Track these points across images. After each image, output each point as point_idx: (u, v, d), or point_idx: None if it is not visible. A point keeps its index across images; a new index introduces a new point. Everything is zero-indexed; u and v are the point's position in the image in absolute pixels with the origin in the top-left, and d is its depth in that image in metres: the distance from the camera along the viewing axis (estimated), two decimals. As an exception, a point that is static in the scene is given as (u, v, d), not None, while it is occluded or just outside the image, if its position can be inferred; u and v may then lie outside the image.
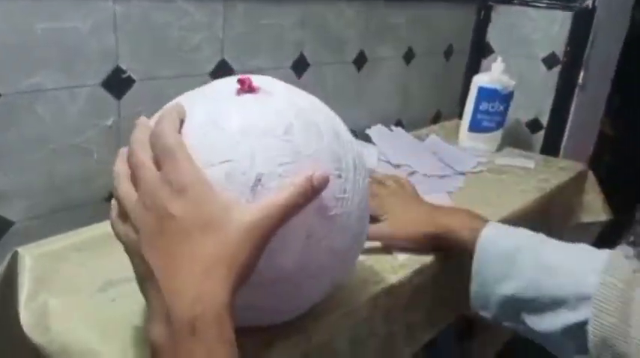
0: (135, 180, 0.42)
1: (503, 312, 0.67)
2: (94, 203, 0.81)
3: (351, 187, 0.50)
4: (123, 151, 0.46)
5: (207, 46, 0.87)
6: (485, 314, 0.70)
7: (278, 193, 0.43)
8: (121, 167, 0.45)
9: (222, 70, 0.90)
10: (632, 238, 1.39)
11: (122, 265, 0.66)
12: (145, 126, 0.45)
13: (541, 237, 0.68)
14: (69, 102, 0.74)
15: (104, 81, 0.77)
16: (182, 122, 0.46)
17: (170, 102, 0.51)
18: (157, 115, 0.49)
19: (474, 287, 0.69)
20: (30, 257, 0.66)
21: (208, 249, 0.39)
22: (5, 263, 0.68)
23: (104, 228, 0.74)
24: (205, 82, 0.87)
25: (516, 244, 0.67)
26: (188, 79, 0.86)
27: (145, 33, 0.79)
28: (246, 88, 0.49)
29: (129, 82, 0.79)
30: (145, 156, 0.42)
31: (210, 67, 0.89)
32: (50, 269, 0.66)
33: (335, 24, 1.08)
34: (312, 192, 0.44)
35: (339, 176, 0.48)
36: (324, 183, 0.45)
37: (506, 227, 0.71)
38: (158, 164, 0.42)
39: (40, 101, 0.72)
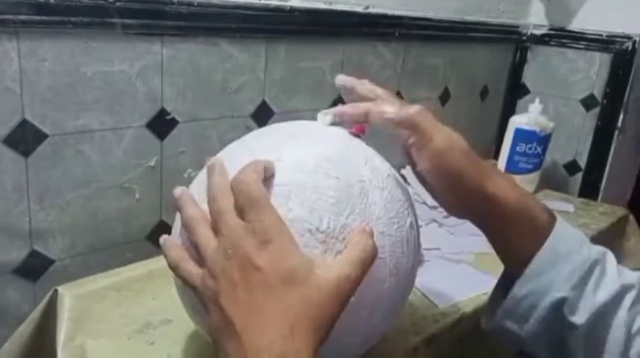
0: (214, 226, 0.42)
1: (549, 321, 0.51)
2: (134, 242, 0.82)
3: (398, 243, 0.49)
4: (189, 195, 0.45)
5: (249, 88, 0.88)
6: (514, 326, 0.53)
7: (352, 249, 0.42)
8: (196, 211, 0.44)
9: (263, 112, 0.91)
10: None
11: (161, 307, 0.67)
12: (222, 170, 0.44)
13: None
14: (114, 143, 0.76)
15: (149, 122, 0.78)
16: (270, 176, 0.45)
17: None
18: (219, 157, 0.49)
19: (520, 291, 0.51)
20: (69, 296, 0.66)
21: (293, 306, 0.37)
22: (45, 301, 0.68)
23: (144, 267, 0.74)
24: (246, 124, 0.89)
25: (598, 251, 0.52)
26: (229, 120, 0.87)
27: (189, 75, 0.81)
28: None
29: (172, 123, 0.81)
30: (227, 203, 0.41)
31: (252, 108, 0.90)
32: (89, 310, 0.66)
33: (373, 65, 1.09)
34: (375, 247, 0.43)
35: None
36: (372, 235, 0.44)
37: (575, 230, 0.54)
38: (240, 212, 0.41)
39: (87, 141, 0.73)
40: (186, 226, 0.44)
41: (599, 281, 0.50)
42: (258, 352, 0.36)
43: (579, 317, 0.49)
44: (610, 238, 1.14)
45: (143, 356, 0.60)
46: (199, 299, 0.42)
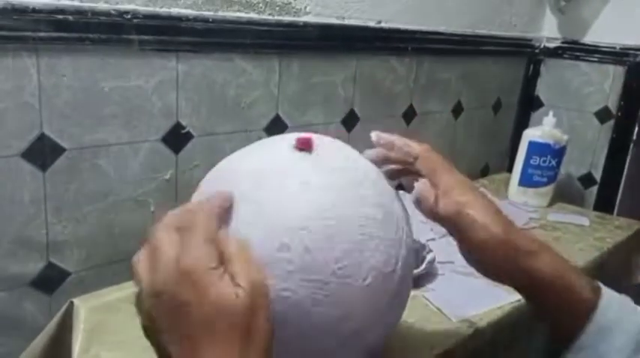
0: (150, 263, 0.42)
1: None
2: (148, 255, 0.82)
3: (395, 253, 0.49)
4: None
5: (262, 102, 0.89)
6: None
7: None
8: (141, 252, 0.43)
9: (276, 126, 0.92)
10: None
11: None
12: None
13: None
14: (130, 157, 0.77)
15: (164, 136, 0.79)
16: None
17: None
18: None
19: None
20: (85, 308, 0.67)
21: (231, 335, 0.38)
22: (61, 313, 0.69)
23: (158, 280, 0.75)
24: (260, 137, 0.89)
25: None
26: (243, 134, 0.88)
27: (204, 90, 0.82)
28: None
29: (187, 137, 0.82)
30: (162, 239, 0.41)
31: (265, 122, 0.91)
32: (103, 322, 0.66)
33: (385, 79, 1.09)
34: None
35: None
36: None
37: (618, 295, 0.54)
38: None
39: (103, 155, 0.74)
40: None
41: None
42: None
43: None
44: (626, 252, 1.13)
45: (157, 367, 0.60)
46: (145, 337, 0.43)
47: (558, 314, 0.51)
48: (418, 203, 0.52)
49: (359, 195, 0.48)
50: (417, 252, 0.59)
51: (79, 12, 0.66)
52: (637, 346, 0.49)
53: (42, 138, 0.68)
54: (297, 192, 0.46)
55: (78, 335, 0.64)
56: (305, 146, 0.49)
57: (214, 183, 0.51)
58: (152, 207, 0.81)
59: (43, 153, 0.69)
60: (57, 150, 0.70)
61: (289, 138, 0.50)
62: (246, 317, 0.38)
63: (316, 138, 0.51)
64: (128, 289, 0.72)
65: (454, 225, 0.51)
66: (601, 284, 0.52)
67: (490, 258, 0.51)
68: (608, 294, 0.51)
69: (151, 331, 0.41)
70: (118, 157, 0.76)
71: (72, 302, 0.68)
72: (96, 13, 0.68)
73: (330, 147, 0.52)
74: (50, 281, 0.74)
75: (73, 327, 0.66)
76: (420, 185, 0.52)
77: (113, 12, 0.69)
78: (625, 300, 0.52)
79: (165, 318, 0.39)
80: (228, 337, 0.38)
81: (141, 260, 0.42)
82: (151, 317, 0.40)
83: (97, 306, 0.68)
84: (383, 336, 0.51)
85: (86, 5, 0.67)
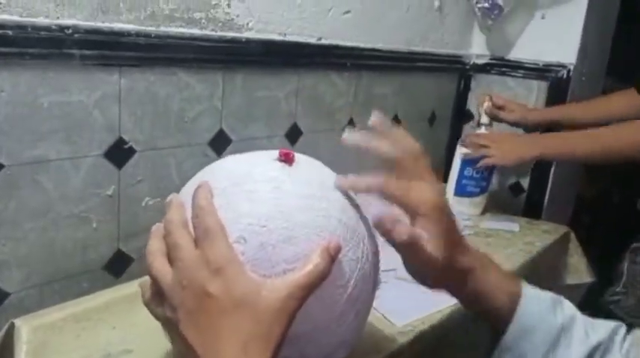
0: (170, 258, 0.45)
1: None
2: (91, 272, 0.81)
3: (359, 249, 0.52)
4: (157, 229, 0.48)
5: (206, 116, 0.90)
6: None
7: (300, 272, 0.44)
8: (156, 245, 0.47)
9: (220, 140, 0.92)
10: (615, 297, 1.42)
11: (121, 337, 0.67)
12: (179, 205, 0.48)
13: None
14: (71, 173, 0.75)
15: (106, 151, 0.78)
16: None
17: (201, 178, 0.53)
18: (184, 191, 0.53)
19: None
20: (26, 329, 0.65)
21: (245, 327, 0.41)
22: (2, 334, 0.67)
23: (102, 297, 0.74)
24: (204, 152, 0.91)
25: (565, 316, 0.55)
26: (187, 148, 0.88)
27: (147, 105, 0.82)
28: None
29: (130, 152, 0.81)
30: (181, 237, 0.45)
31: (209, 136, 0.92)
32: (47, 342, 0.65)
33: (326, 93, 1.12)
34: (329, 265, 0.45)
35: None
36: (338, 252, 0.47)
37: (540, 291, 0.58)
38: (196, 242, 0.44)
39: (43, 171, 0.73)
40: (147, 260, 0.47)
41: (566, 348, 0.53)
42: None
43: None
44: (554, 255, 1.20)
45: (105, 386, 0.59)
46: (165, 329, 0.46)
47: (486, 317, 0.57)
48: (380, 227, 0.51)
49: (324, 207, 0.50)
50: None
51: (19, 27, 0.65)
52: (552, 345, 0.53)
53: (-21, 154, 0.67)
54: (266, 193, 0.49)
55: (21, 356, 0.62)
56: (286, 158, 0.53)
57: (200, 180, 0.53)
58: (94, 223, 0.79)
59: (-20, 169, 0.67)
60: (-5, 167, 0.68)
61: (275, 152, 0.54)
62: (269, 316, 0.42)
63: (299, 155, 0.55)
64: (71, 308, 0.71)
65: (409, 251, 0.52)
66: (524, 285, 0.56)
67: (432, 275, 0.55)
68: (529, 295, 0.55)
69: (171, 322, 0.44)
70: (59, 173, 0.74)
71: (13, 323, 0.66)
72: (36, 28, 0.67)
73: (310, 165, 0.56)
74: (-12, 302, 0.71)
75: (15, 349, 0.64)
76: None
77: (54, 27, 0.68)
78: (546, 299, 0.56)
79: (189, 309, 0.42)
80: (250, 332, 0.41)
81: (158, 256, 0.46)
82: (174, 308, 0.43)
83: (40, 326, 0.66)
84: (326, 352, 0.52)
85: (26, 20, 0.66)
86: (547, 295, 0.57)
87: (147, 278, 0.49)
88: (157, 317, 0.47)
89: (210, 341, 0.41)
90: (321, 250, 0.46)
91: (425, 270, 0.54)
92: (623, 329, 0.56)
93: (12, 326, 0.66)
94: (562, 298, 0.57)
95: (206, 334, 0.41)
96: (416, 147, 0.55)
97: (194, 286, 0.42)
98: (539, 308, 0.55)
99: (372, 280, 0.55)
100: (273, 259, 0.46)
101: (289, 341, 0.44)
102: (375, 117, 0.56)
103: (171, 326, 0.45)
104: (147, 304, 0.48)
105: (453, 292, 0.57)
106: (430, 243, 0.51)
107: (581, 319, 0.56)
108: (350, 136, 0.55)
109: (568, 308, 0.56)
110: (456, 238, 0.54)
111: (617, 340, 0.54)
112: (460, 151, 1.28)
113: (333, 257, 0.46)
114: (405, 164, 0.54)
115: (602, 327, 0.55)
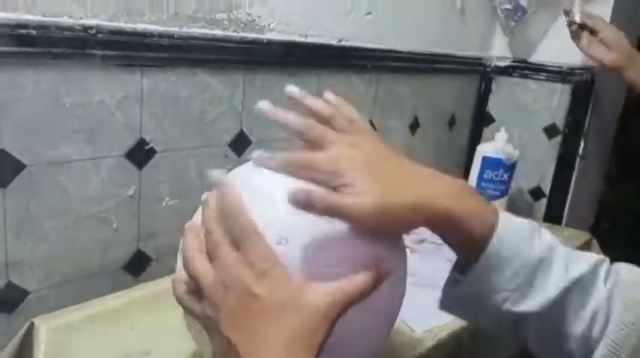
0: (210, 257, 0.45)
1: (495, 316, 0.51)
2: (110, 272, 0.81)
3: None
4: (192, 226, 0.48)
5: (226, 117, 0.90)
6: (465, 316, 0.58)
7: (348, 282, 0.44)
8: (193, 243, 0.47)
9: (240, 141, 0.92)
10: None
11: (139, 338, 0.67)
12: (213, 205, 0.47)
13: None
14: (92, 173, 0.75)
15: (127, 152, 0.79)
16: None
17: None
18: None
19: (469, 289, 0.51)
20: (45, 329, 0.65)
21: (289, 329, 0.41)
22: (21, 333, 0.67)
23: (121, 298, 0.74)
24: (224, 153, 0.90)
25: (543, 248, 0.49)
26: (207, 149, 0.88)
27: (168, 106, 0.82)
28: None
29: (151, 153, 0.81)
30: (220, 236, 0.45)
31: (229, 138, 0.91)
32: (65, 342, 0.65)
33: (347, 95, 1.11)
34: (377, 285, 0.45)
35: None
36: (388, 276, 0.46)
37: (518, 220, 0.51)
38: (234, 243, 0.44)
39: (64, 172, 0.73)
40: (184, 258, 0.47)
41: (543, 281, 0.48)
42: None
43: (526, 306, 0.48)
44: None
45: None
46: (203, 327, 0.46)
47: (459, 247, 0.51)
48: None
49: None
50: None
51: (42, 26, 0.65)
52: (527, 279, 0.48)
53: (2, 154, 0.67)
54: None
55: (39, 356, 0.62)
56: None
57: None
58: (115, 224, 0.79)
59: (3, 169, 0.67)
60: (17, 167, 0.68)
61: None
62: (314, 321, 0.42)
63: None
64: (90, 308, 0.71)
65: None
66: (501, 213, 0.50)
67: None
68: (505, 225, 0.49)
69: (211, 321, 0.44)
70: (80, 173, 0.74)
71: (32, 323, 0.66)
72: (59, 28, 0.67)
73: None
74: (9, 300, 0.72)
75: (34, 348, 0.64)
76: None
77: (77, 27, 0.68)
78: (523, 229, 0.50)
79: (232, 310, 0.42)
80: (294, 335, 0.41)
81: (197, 254, 0.46)
82: (216, 308, 0.43)
83: (59, 326, 0.67)
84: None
85: (50, 20, 0.66)
86: (524, 224, 0.50)
87: (175, 276, 0.49)
88: (193, 313, 0.47)
89: (254, 342, 0.41)
90: (376, 269, 0.46)
91: None
92: (607, 263, 0.52)
93: (32, 326, 0.66)
94: (540, 228, 0.51)
95: (249, 335, 0.41)
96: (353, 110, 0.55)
97: (238, 287, 0.42)
98: (516, 238, 0.48)
99: (403, 291, 0.55)
100: (314, 261, 0.46)
101: (325, 349, 0.43)
102: (290, 89, 0.55)
103: (210, 325, 0.45)
104: (180, 298, 0.48)
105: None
106: None
107: (562, 251, 0.50)
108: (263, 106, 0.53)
109: (547, 238, 0.50)
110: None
111: (600, 274, 0.50)
112: (480, 153, 1.27)
113: (382, 278, 0.46)
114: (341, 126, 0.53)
115: (584, 260, 0.50)
